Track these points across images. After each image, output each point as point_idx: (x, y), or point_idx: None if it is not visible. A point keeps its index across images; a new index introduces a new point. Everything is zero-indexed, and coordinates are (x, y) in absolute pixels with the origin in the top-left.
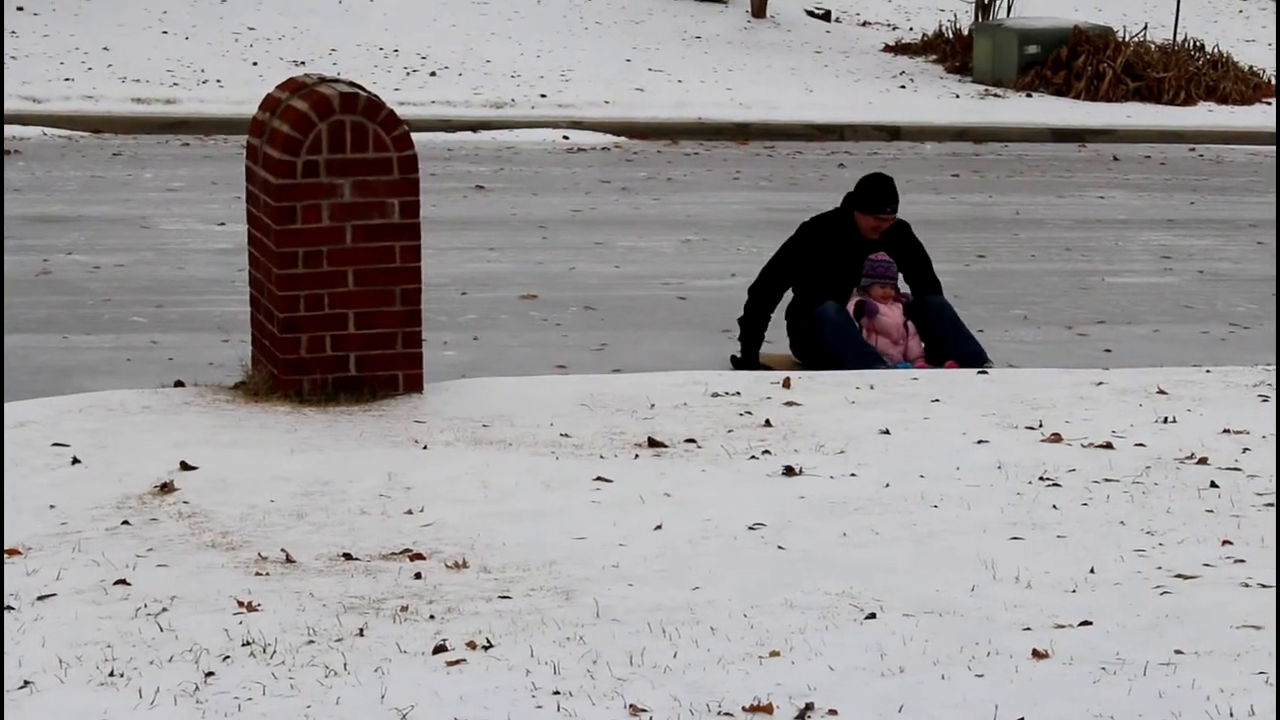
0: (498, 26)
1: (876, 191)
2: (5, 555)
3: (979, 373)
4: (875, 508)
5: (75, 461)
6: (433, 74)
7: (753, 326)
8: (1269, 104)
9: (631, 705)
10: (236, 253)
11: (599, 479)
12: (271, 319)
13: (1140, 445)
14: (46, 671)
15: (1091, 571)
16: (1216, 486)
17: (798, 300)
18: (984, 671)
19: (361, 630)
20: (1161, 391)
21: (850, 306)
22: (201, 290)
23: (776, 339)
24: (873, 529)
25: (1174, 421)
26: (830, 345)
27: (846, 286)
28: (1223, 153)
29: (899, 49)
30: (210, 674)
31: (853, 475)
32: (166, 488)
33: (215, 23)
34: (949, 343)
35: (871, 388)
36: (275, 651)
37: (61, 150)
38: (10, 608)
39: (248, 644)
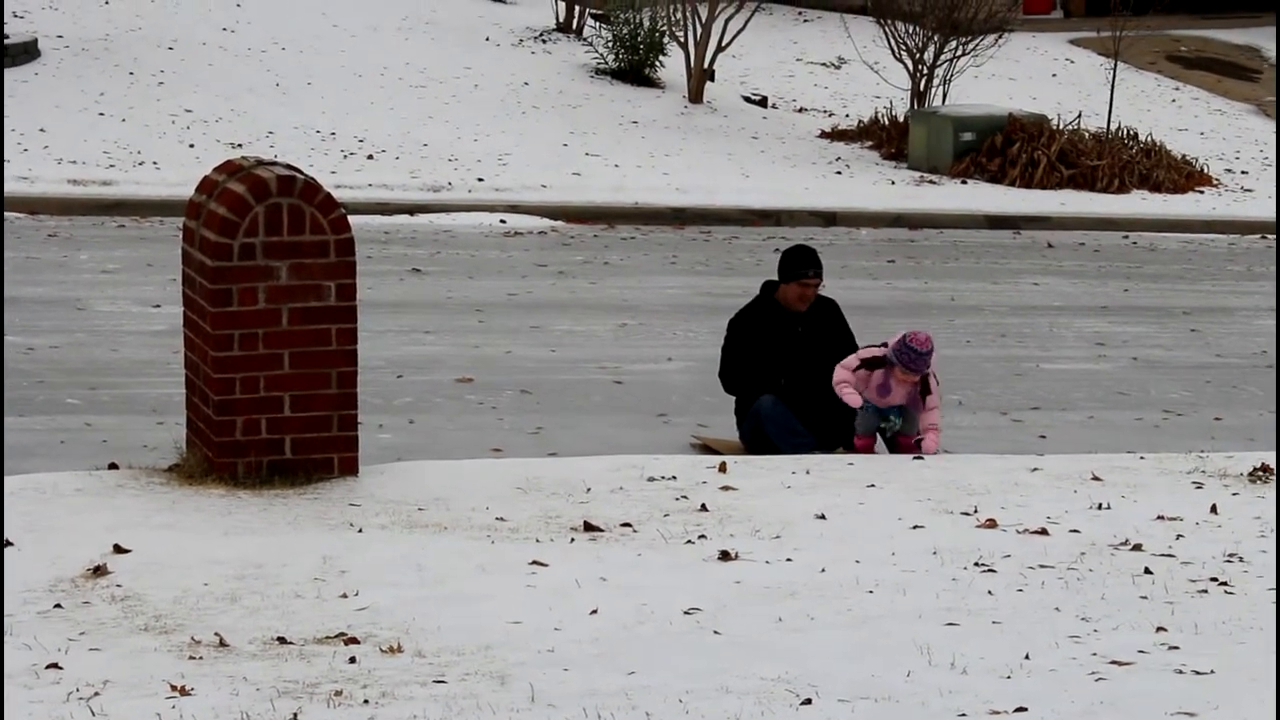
0: (435, 110)
1: (797, 259)
2: None
3: (914, 458)
4: (811, 593)
5: (7, 544)
6: (370, 157)
7: (740, 382)
8: (1201, 192)
9: None
10: (171, 335)
11: (535, 563)
12: (207, 401)
13: (1075, 531)
14: None
15: (1026, 657)
16: (1150, 573)
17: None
18: None
19: (295, 715)
20: (1096, 478)
21: (873, 353)
22: (136, 372)
23: (725, 427)
24: (808, 614)
25: (1108, 508)
26: (771, 436)
27: (786, 367)
28: (1156, 240)
29: (835, 135)
30: None
31: (788, 560)
32: (99, 570)
33: (152, 104)
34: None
35: (807, 472)
36: None
37: None
38: None
39: None
